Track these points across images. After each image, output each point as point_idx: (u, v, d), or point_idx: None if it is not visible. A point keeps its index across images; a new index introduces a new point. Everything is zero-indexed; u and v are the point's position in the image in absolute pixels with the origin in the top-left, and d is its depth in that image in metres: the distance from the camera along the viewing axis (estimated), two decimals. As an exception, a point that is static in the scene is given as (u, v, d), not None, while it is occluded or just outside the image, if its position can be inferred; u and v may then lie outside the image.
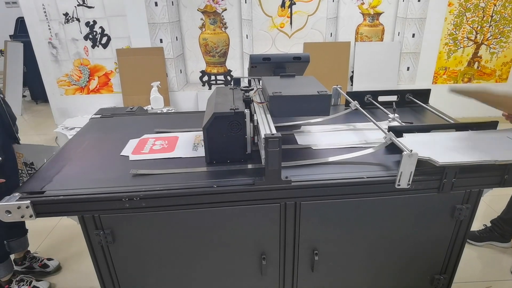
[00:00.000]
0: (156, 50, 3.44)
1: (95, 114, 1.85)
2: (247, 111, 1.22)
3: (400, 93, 1.89)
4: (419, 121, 1.66)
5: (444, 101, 2.92)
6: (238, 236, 1.23)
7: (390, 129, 1.33)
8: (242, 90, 1.34)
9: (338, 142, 1.45)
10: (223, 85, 3.62)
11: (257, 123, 1.25)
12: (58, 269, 1.88)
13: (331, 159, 1.27)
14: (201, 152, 1.35)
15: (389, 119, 1.60)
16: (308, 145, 1.42)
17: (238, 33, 3.52)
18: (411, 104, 1.84)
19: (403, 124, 1.46)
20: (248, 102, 1.34)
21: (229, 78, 3.63)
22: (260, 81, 1.50)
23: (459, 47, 3.46)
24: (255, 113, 1.29)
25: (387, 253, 1.34)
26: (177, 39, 3.51)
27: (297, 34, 3.43)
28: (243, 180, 1.15)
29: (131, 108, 1.91)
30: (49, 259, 1.89)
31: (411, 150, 1.11)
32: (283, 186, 1.13)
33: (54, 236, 2.15)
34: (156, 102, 3.35)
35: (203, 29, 3.52)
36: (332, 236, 1.27)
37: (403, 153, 1.11)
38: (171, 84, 3.60)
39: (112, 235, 1.17)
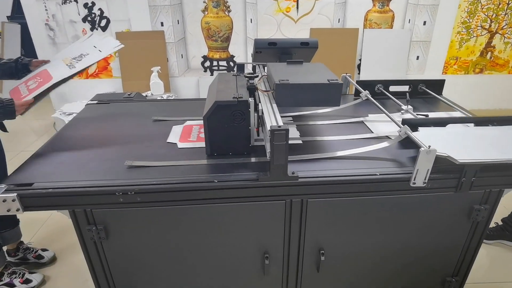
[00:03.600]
0: (156, 34, 3.31)
1: (91, 100, 1.76)
2: (251, 100, 1.12)
3: (413, 83, 1.79)
4: (433, 114, 1.56)
5: (455, 92, 2.81)
6: (239, 233, 1.15)
7: (405, 122, 1.24)
8: (246, 77, 1.25)
9: (347, 134, 1.36)
10: (225, 71, 3.51)
11: (262, 113, 1.16)
12: (53, 260, 1.82)
13: (340, 153, 1.18)
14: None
15: (402, 111, 1.51)
16: (315, 137, 1.33)
17: (242, 17, 3.39)
18: (423, 95, 1.74)
19: (418, 116, 1.36)
20: (252, 90, 1.25)
21: (231, 64, 3.51)
22: (265, 68, 1.40)
23: (472, 36, 3.32)
24: (260, 102, 1.19)
25: (397, 254, 1.27)
26: (178, 23, 3.38)
27: (303, 19, 3.29)
28: (246, 175, 1.07)
29: (129, 94, 1.82)
30: (43, 250, 1.82)
31: (429, 147, 1.02)
32: (289, 182, 1.05)
33: (49, 226, 2.08)
34: (156, 88, 3.24)
35: (206, 12, 3.39)
36: (340, 236, 1.19)
37: (420, 149, 1.02)
38: (172, 70, 3.49)
39: (106, 231, 1.09)
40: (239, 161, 1.15)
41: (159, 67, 3.23)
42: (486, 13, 3.22)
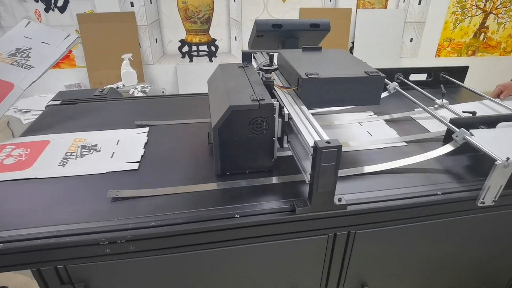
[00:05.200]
0: (126, 16, 2.89)
1: (53, 100, 1.40)
2: (276, 102, 0.85)
3: (434, 71, 1.58)
4: (460, 106, 1.35)
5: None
6: (266, 276, 0.89)
7: (453, 122, 1.01)
8: (262, 69, 0.96)
9: (377, 138, 1.12)
10: (206, 58, 3.16)
11: (289, 119, 0.89)
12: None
13: (384, 166, 0.94)
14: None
15: (436, 106, 1.29)
16: (345, 144, 1.08)
17: (223, -4, 3.03)
18: (442, 84, 1.52)
19: (466, 115, 1.14)
20: (269, 88, 0.96)
21: (213, 48, 3.15)
22: (271, 56, 1.11)
23: (466, 16, 3.17)
24: (284, 104, 0.92)
25: (453, 283, 1.06)
26: (151, 2, 2.96)
27: (291, -1, 2.99)
28: (276, 203, 0.80)
29: (101, 91, 1.47)
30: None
31: (508, 159, 0.80)
32: (337, 212, 0.79)
33: None
34: (128, 78, 2.85)
35: (182, -10, 3.00)
36: (388, 268, 0.96)
37: (496, 162, 0.80)
38: (145, 57, 3.09)
39: (86, 290, 0.79)
40: (261, 183, 0.88)
41: (131, 54, 2.84)
42: (481, -9, 3.06)
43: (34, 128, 1.16)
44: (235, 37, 3.14)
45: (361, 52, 3.14)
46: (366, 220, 0.83)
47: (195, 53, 3.18)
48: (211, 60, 3.21)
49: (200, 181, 0.88)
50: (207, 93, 1.42)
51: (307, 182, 0.77)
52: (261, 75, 1.02)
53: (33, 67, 1.17)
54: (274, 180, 0.89)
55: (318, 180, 0.73)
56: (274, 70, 0.95)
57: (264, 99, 0.84)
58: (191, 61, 3.19)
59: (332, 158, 0.71)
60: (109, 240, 0.72)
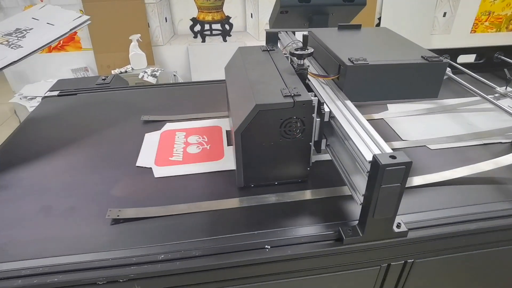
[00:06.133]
0: (132, -7, 2.68)
1: (50, 90, 1.24)
2: (314, 98, 0.66)
3: (486, 51, 1.35)
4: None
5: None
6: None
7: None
8: (293, 54, 0.76)
9: (427, 136, 0.93)
10: (219, 37, 2.95)
11: (330, 118, 0.70)
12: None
13: (441, 175, 0.75)
14: None
15: (496, 95, 1.07)
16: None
17: (236, -31, 2.78)
18: (506, 69, 1.29)
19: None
20: (303, 77, 0.77)
21: (227, 27, 2.92)
22: (304, 37, 0.91)
23: (509, -15, 2.83)
24: (323, 99, 0.73)
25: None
26: (159, -22, 2.74)
27: (311, -30, 2.70)
28: (317, 230, 0.63)
29: (104, 79, 1.30)
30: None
31: None
32: (394, 241, 0.62)
33: None
34: (137, 61, 2.68)
35: (192, -37, 2.75)
36: (447, 298, 0.79)
37: None
38: (155, 37, 2.89)
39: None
40: (293, 198, 0.71)
41: (139, 35, 2.65)
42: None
43: (24, 128, 1.01)
44: (251, 14, 2.90)
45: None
46: (430, 248, 0.66)
47: (208, 33, 2.95)
48: (225, 40, 2.99)
49: (218, 195, 0.72)
50: (223, 80, 1.24)
51: (358, 204, 0.59)
52: (290, 61, 0.83)
53: (21, 47, 1.02)
54: (310, 194, 0.72)
55: (376, 204, 0.55)
56: (309, 55, 0.76)
57: (299, 94, 0.65)
58: (203, 41, 2.98)
59: (397, 178, 0.53)
60: (108, 279, 0.57)
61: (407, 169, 0.52)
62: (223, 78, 0.96)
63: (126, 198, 0.71)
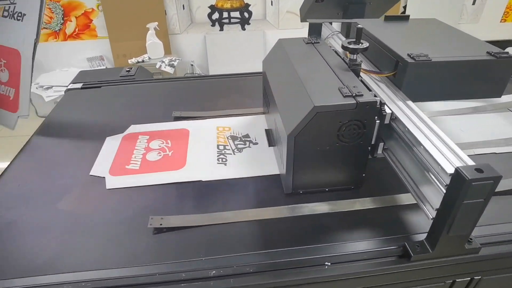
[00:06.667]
0: (149, -21, 2.60)
1: (73, 82, 1.19)
2: (377, 98, 0.60)
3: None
4: None
5: None
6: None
7: None
8: (347, 48, 0.69)
9: (489, 135, 0.86)
10: (237, 25, 2.86)
11: (391, 121, 0.64)
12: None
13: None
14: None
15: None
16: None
17: (256, -46, 2.66)
18: None
19: None
20: (356, 74, 0.70)
21: (246, 14, 2.83)
22: (359, 29, 0.84)
23: (545, -29, 2.66)
24: (383, 100, 0.66)
25: None
26: (176, -37, 2.64)
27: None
28: (379, 245, 0.57)
29: (128, 70, 1.25)
30: None
31: None
32: (465, 258, 0.56)
33: None
34: (154, 50, 2.61)
35: None
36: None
37: None
38: (172, 25, 2.81)
39: None
40: (347, 208, 0.65)
41: (156, 23, 2.57)
42: None
43: (48, 126, 0.97)
44: (271, 2, 2.79)
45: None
46: (501, 265, 0.60)
47: (226, 21, 2.86)
48: (243, 28, 2.90)
49: (264, 202, 0.67)
50: (256, 73, 1.18)
51: (429, 218, 0.53)
52: (341, 56, 0.76)
53: (24, 14, 0.96)
54: (366, 203, 0.66)
55: (454, 220, 0.49)
56: (365, 49, 0.69)
57: (361, 94, 0.59)
58: (221, 29, 2.89)
59: (482, 194, 0.47)
60: (157, 296, 0.52)
61: (495, 184, 0.46)
62: (244, 69, 0.90)
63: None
